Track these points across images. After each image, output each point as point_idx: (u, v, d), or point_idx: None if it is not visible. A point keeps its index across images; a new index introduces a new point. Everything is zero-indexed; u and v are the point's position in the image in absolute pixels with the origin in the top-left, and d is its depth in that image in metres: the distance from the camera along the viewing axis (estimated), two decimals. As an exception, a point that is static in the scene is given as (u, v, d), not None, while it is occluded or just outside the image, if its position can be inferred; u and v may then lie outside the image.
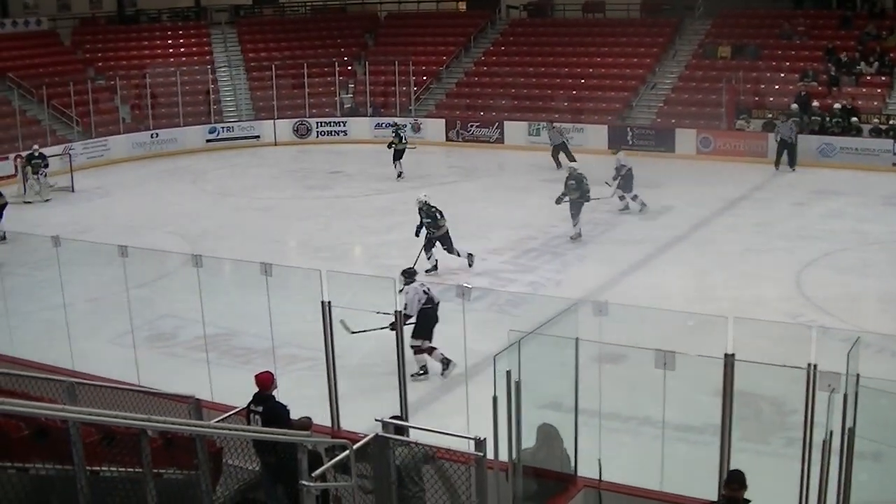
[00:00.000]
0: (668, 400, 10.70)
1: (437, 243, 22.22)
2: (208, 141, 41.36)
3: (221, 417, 11.02)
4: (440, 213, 22.14)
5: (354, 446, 8.97)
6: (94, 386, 11.39)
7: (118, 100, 41.23)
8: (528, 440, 10.39)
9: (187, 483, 9.39)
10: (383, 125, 39.27)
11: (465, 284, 13.61)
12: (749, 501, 9.15)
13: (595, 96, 39.67)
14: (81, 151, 37.38)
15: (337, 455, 9.02)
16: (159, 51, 45.78)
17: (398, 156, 33.92)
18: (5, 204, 26.75)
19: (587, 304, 11.60)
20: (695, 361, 9.97)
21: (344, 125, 42.36)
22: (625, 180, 27.52)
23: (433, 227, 22.04)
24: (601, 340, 11.15)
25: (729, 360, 9.69)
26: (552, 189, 25.19)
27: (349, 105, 43.36)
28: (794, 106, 34.79)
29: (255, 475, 10.82)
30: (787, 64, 38.19)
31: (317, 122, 42.47)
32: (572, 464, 10.85)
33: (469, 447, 8.88)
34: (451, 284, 18.17)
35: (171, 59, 44.52)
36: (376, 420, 9.47)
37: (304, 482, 8.66)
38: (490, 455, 9.19)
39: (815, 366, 9.25)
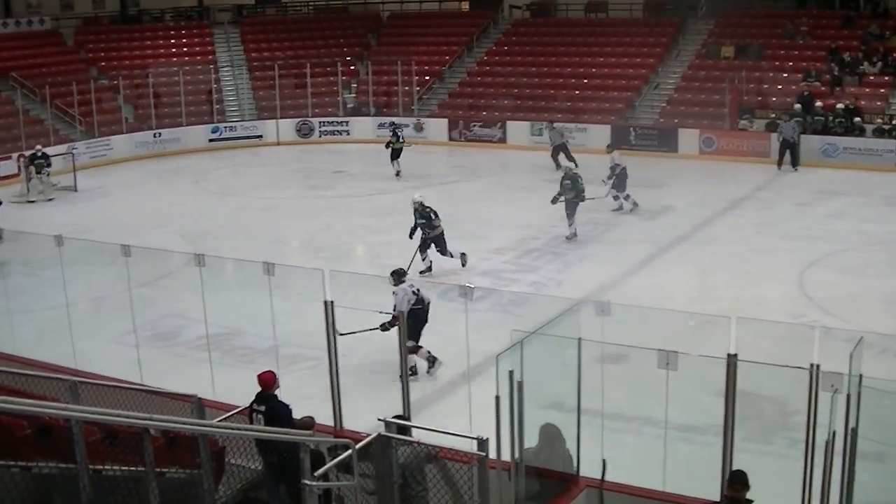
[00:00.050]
0: (670, 400, 10.69)
1: (432, 244, 22.21)
2: (211, 140, 41.35)
3: (224, 417, 11.03)
4: (435, 213, 22.09)
5: (357, 446, 8.97)
6: (96, 385, 11.40)
7: (121, 99, 41.25)
8: (531, 440, 10.39)
9: (190, 482, 9.40)
10: (386, 125, 39.22)
11: (468, 284, 13.61)
12: (751, 502, 9.15)
13: (598, 96, 39.65)
14: (84, 151, 37.40)
15: (339, 455, 9.02)
16: (162, 50, 45.79)
17: (396, 155, 34.03)
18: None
19: (590, 304, 11.62)
20: (697, 361, 9.96)
21: (346, 125, 42.36)
22: (619, 179, 27.54)
23: (428, 227, 21.99)
24: (604, 340, 11.15)
25: (731, 361, 9.69)
26: (554, 189, 25.17)
27: (352, 105, 43.36)
28: (798, 106, 34.80)
29: (258, 474, 10.83)
30: (790, 64, 38.18)
31: (319, 122, 42.46)
32: (574, 464, 10.84)
33: (471, 447, 8.88)
34: (453, 284, 18.24)
35: (174, 59, 44.51)
36: (379, 420, 9.47)
37: (306, 482, 8.67)
38: (492, 455, 9.19)
39: (817, 366, 9.25)
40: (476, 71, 44.15)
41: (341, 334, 15.54)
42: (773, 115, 35.36)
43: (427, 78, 43.73)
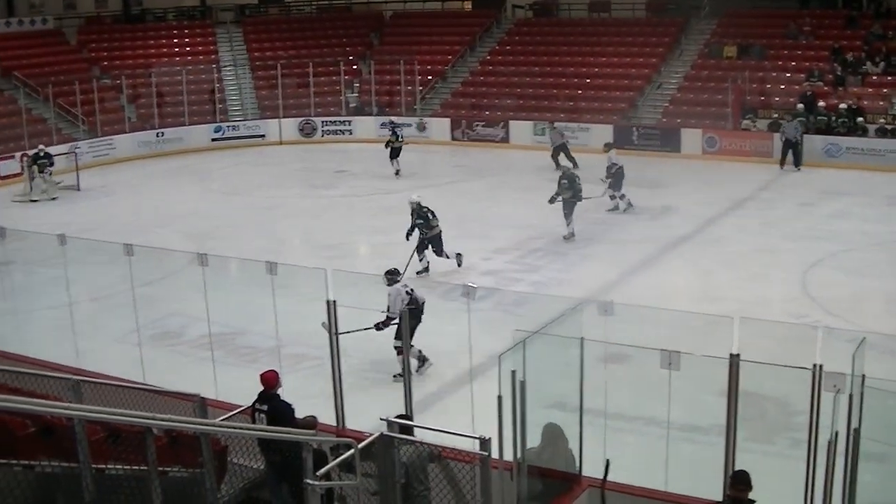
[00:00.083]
0: (673, 400, 10.69)
1: (429, 245, 22.17)
2: (214, 140, 41.38)
3: (226, 416, 11.04)
4: (432, 213, 22.08)
5: (359, 445, 8.97)
6: (99, 384, 11.42)
7: (124, 99, 41.25)
8: (533, 440, 10.39)
9: (192, 481, 9.41)
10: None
11: (471, 284, 13.61)
12: (754, 502, 9.15)
13: (600, 96, 39.63)
14: (87, 150, 37.44)
15: (342, 454, 9.03)
16: (165, 50, 45.82)
17: (395, 154, 34.15)
18: None
19: (592, 303, 11.61)
20: (700, 361, 9.96)
21: (349, 124, 42.39)
22: (616, 179, 27.54)
23: (426, 227, 21.96)
24: (606, 340, 11.16)
25: (734, 361, 9.69)
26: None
27: (354, 104, 43.37)
28: (800, 106, 34.78)
29: (260, 474, 10.83)
30: (793, 64, 38.17)
31: (322, 122, 42.49)
32: (577, 464, 10.84)
33: (474, 446, 8.88)
34: (456, 284, 18.22)
35: (177, 59, 44.53)
36: (381, 419, 9.47)
37: (308, 481, 8.67)
38: (495, 454, 9.18)
39: (820, 366, 9.24)
40: (479, 70, 44.16)
41: (335, 333, 15.61)
42: (776, 115, 35.34)
43: (430, 77, 43.74)
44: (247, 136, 41.84)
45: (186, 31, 47.85)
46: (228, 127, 42.00)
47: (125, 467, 8.47)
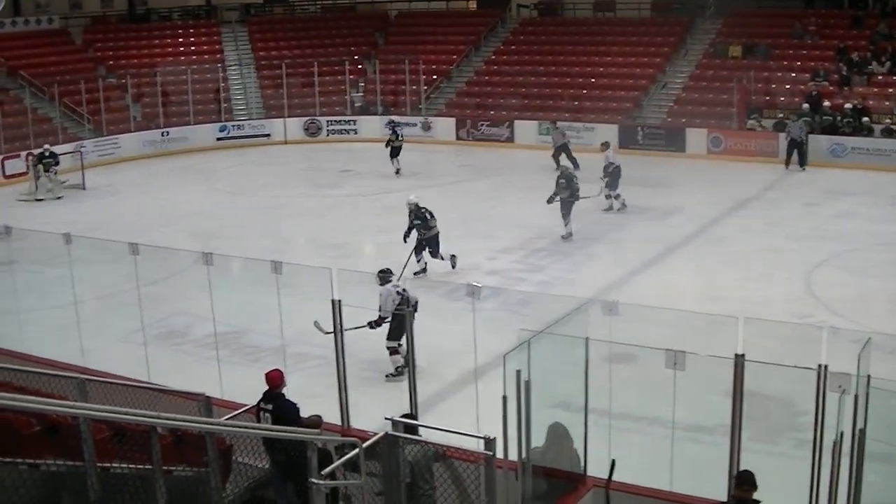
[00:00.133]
0: (678, 400, 10.69)
1: (426, 246, 22.13)
2: (219, 139, 41.43)
3: (231, 415, 11.04)
4: (431, 213, 22.04)
5: (364, 445, 8.97)
6: (104, 383, 11.42)
7: (129, 98, 41.31)
8: (538, 439, 10.39)
9: (197, 480, 9.42)
10: (400, 125, 39.24)
11: (475, 283, 13.60)
12: (759, 502, 9.15)
13: (605, 95, 39.62)
14: (92, 149, 37.49)
15: (346, 453, 9.03)
16: (170, 49, 45.88)
17: (395, 153, 34.26)
18: None
19: (597, 303, 11.58)
20: (705, 361, 9.96)
21: (354, 124, 42.40)
22: (612, 178, 27.57)
23: (424, 228, 21.91)
24: (611, 340, 11.14)
25: (739, 361, 9.67)
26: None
27: (359, 104, 43.39)
28: (806, 106, 34.74)
29: (265, 473, 10.83)
30: (798, 63, 38.14)
31: (327, 121, 42.53)
32: (582, 463, 10.84)
33: (479, 446, 8.88)
34: (461, 283, 18.21)
35: (182, 58, 44.59)
36: (386, 419, 9.47)
37: (313, 480, 8.67)
38: (499, 454, 9.18)
39: (825, 367, 9.23)
40: (484, 70, 44.16)
41: (326, 333, 15.62)
42: (781, 115, 35.34)
43: (435, 77, 43.75)
44: (252, 136, 41.89)
45: (192, 30, 47.91)
46: (233, 126, 42.04)
47: (130, 466, 8.48)
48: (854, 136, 33.62)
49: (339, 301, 12.66)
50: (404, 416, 10.20)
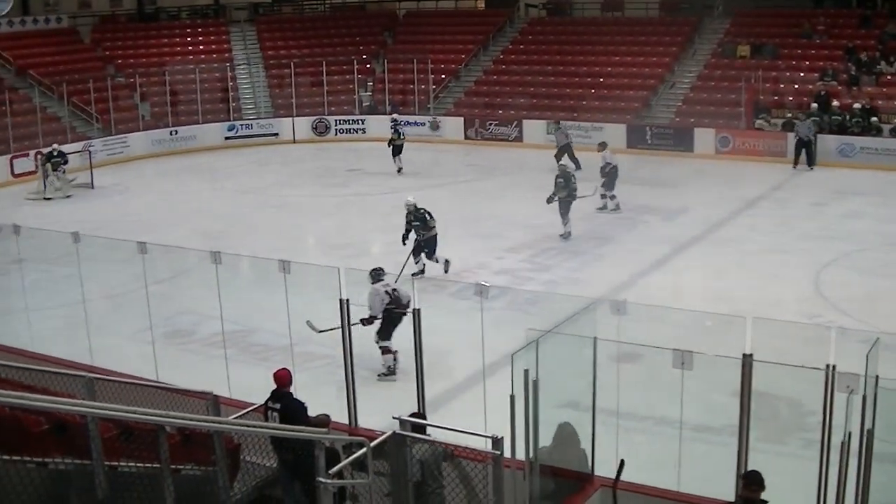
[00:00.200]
0: (685, 400, 10.68)
1: (424, 247, 22.03)
2: (227, 138, 41.46)
3: (239, 414, 11.06)
4: (430, 214, 21.98)
5: (372, 444, 8.98)
6: (112, 381, 11.45)
7: (137, 97, 41.38)
8: (546, 439, 10.38)
9: (205, 479, 9.43)
10: (404, 123, 39.23)
11: (484, 283, 13.60)
12: (767, 502, 9.14)
13: (614, 95, 39.53)
14: (101, 148, 37.55)
15: (354, 452, 9.03)
16: (179, 48, 45.93)
17: (397, 151, 34.35)
18: None
19: (605, 303, 11.59)
20: (713, 361, 9.95)
21: (362, 123, 42.39)
22: (609, 178, 27.59)
23: (423, 229, 21.83)
24: (619, 340, 11.14)
25: (747, 361, 9.67)
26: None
27: (368, 103, 43.39)
28: (814, 105, 34.69)
29: (273, 472, 10.85)
30: (807, 63, 38.08)
31: (335, 120, 42.54)
32: (589, 463, 10.84)
33: (486, 445, 8.88)
34: (469, 283, 18.22)
35: (191, 57, 44.63)
36: (394, 418, 9.48)
37: (321, 479, 8.68)
38: (507, 454, 9.18)
39: (833, 367, 9.22)
40: (492, 69, 44.15)
41: (319, 331, 15.64)
42: (790, 115, 35.25)
43: (443, 76, 43.74)
44: (260, 135, 41.92)
45: (200, 29, 47.96)
46: (242, 125, 42.08)
47: (138, 465, 8.49)
48: (863, 135, 33.57)
49: (348, 300, 12.67)
50: (413, 414, 10.22)
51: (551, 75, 41.94)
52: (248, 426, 9.96)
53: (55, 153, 32.67)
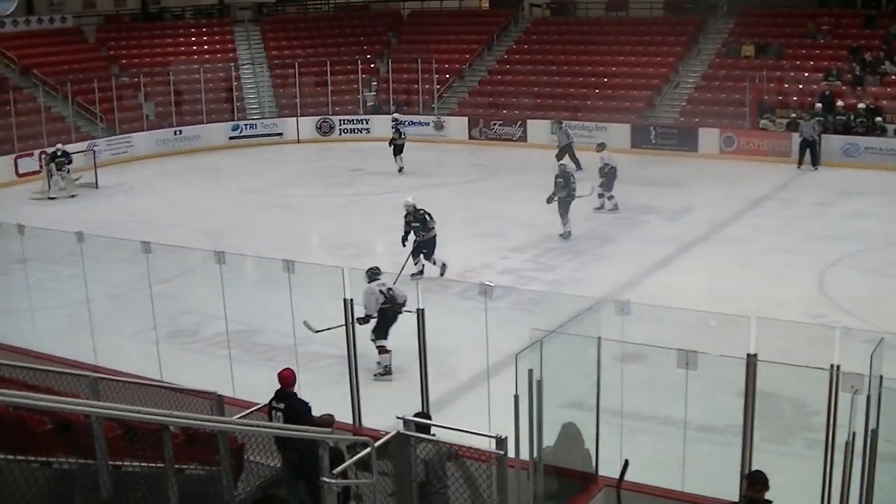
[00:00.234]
0: (689, 400, 10.69)
1: (423, 248, 21.97)
2: (231, 138, 41.48)
3: (243, 414, 11.06)
4: (430, 215, 21.93)
5: (376, 444, 8.97)
6: (116, 381, 11.44)
7: (142, 97, 41.41)
8: (550, 439, 10.38)
9: (209, 479, 9.43)
10: (406, 123, 39.23)
11: (488, 283, 13.61)
12: (771, 502, 9.13)
13: (618, 95, 39.49)
14: (105, 148, 37.59)
15: (358, 452, 9.03)
16: (183, 48, 45.98)
17: (398, 151, 34.44)
18: None
19: (609, 303, 11.58)
20: (717, 361, 9.95)
21: (367, 123, 42.38)
22: (607, 178, 27.63)
23: (423, 230, 21.77)
24: (623, 340, 11.14)
25: (751, 361, 9.66)
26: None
27: (372, 103, 43.39)
28: (819, 105, 34.65)
29: (277, 472, 10.85)
30: (811, 63, 38.04)
31: (340, 120, 42.55)
32: (593, 463, 10.83)
33: (490, 445, 8.88)
34: (473, 283, 18.21)
35: (195, 57, 44.69)
36: (398, 418, 9.48)
37: (325, 479, 8.68)
38: (511, 454, 9.18)
39: (838, 367, 9.21)
40: (496, 69, 44.14)
41: (316, 331, 15.64)
42: (794, 115, 35.23)
43: (447, 76, 43.73)
44: (264, 135, 41.93)
45: (204, 29, 47.98)
46: (246, 125, 42.10)
47: (142, 464, 8.50)
48: (867, 135, 33.54)
49: (352, 300, 12.68)
50: (418, 414, 10.22)
51: (555, 75, 41.95)
52: (252, 426, 9.97)
53: (59, 153, 32.70)
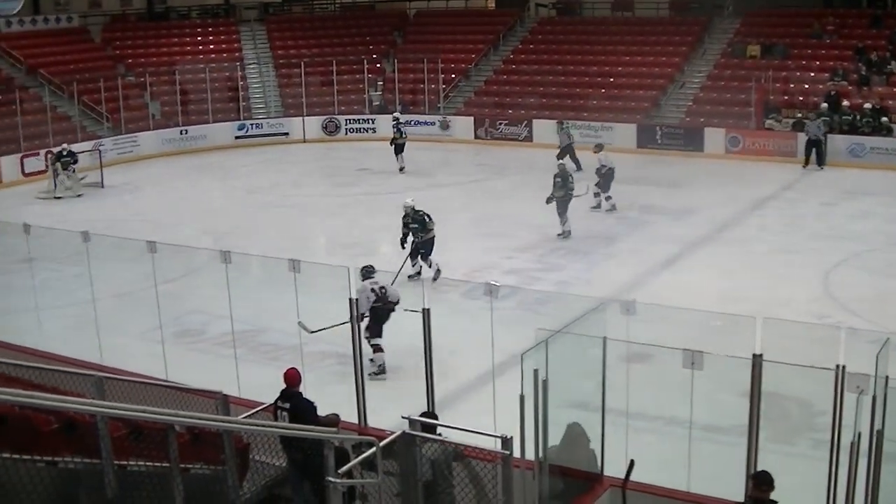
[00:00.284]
0: (695, 400, 10.67)
1: (422, 249, 21.90)
2: (237, 138, 41.47)
3: (248, 413, 11.07)
4: (429, 217, 21.87)
5: (381, 444, 8.98)
6: (122, 381, 11.45)
7: (148, 96, 41.43)
8: (555, 439, 10.38)
9: (214, 478, 9.44)
10: (412, 123, 39.22)
11: (493, 282, 13.60)
12: (776, 502, 9.13)
13: (624, 95, 39.47)
14: (111, 147, 37.63)
15: (364, 452, 9.04)
16: (189, 48, 46.00)
17: (399, 150, 34.50)
18: None
19: (615, 303, 11.59)
20: (722, 361, 9.95)
21: (372, 122, 42.36)
22: (604, 179, 27.65)
23: (421, 231, 21.70)
24: (628, 340, 11.14)
25: (757, 361, 9.66)
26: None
27: (378, 102, 43.39)
28: (824, 105, 34.61)
29: (282, 471, 10.85)
30: (817, 63, 38.00)
31: (345, 120, 42.54)
32: (599, 463, 10.83)
33: (496, 445, 8.88)
34: (478, 283, 18.20)
35: (201, 56, 44.68)
36: (403, 417, 9.48)
37: (330, 479, 8.68)
38: (516, 453, 9.18)
39: (843, 367, 9.21)
40: (502, 69, 44.12)
41: (311, 332, 15.64)
42: (800, 115, 35.18)
43: (453, 76, 43.71)
44: (270, 134, 41.94)
45: (210, 28, 48.02)
46: (252, 125, 42.12)
47: (147, 464, 8.50)
48: (873, 135, 33.49)
49: (357, 300, 12.68)
50: (424, 414, 10.22)
51: (561, 75, 41.92)
52: (257, 426, 9.98)
53: (65, 152, 32.74)
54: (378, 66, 44.85)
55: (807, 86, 37.03)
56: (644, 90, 39.64)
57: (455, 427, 9.73)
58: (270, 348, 18.00)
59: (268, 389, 11.51)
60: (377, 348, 16.61)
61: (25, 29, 42.86)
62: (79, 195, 32.44)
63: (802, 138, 33.53)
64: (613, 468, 10.76)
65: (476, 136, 40.75)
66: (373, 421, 12.74)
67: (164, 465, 8.37)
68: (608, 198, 27.70)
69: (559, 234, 25.03)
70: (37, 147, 35.77)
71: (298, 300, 14.51)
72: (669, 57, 41.07)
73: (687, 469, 10.86)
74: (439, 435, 9.68)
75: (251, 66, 45.14)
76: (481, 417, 12.07)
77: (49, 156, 34.11)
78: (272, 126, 42.30)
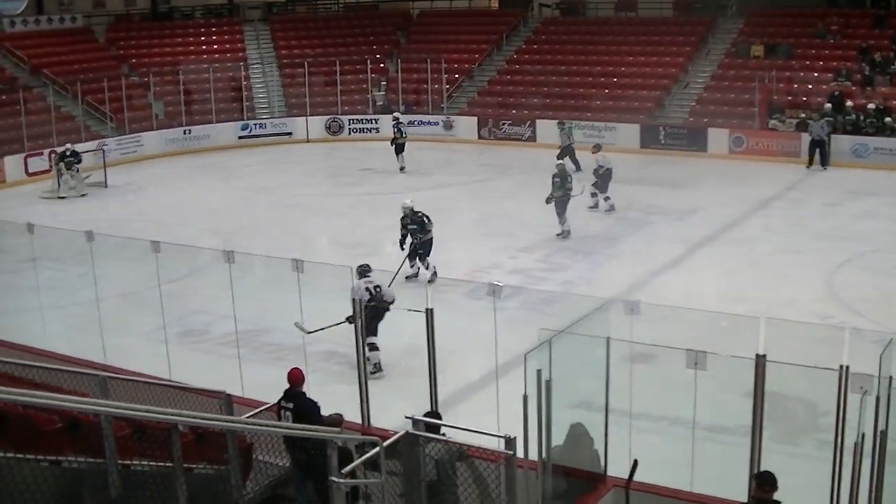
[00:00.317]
0: (698, 400, 10.67)
1: (420, 250, 21.82)
2: (241, 137, 41.48)
3: (252, 413, 11.06)
4: (428, 218, 21.82)
5: (385, 443, 8.98)
6: (125, 380, 11.47)
7: (151, 96, 41.46)
8: (559, 439, 10.38)
9: (217, 478, 9.45)
10: (415, 123, 39.22)
11: (497, 282, 13.60)
12: (780, 503, 9.12)
13: (627, 95, 39.44)
14: (115, 147, 37.64)
15: (367, 452, 9.04)
16: (192, 47, 46.04)
17: (399, 149, 34.55)
18: None
19: (618, 303, 11.58)
20: (726, 362, 9.94)
21: (376, 122, 42.34)
22: (602, 180, 27.67)
23: (420, 232, 21.65)
24: (632, 340, 11.12)
25: (760, 361, 9.65)
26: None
27: (381, 102, 43.39)
28: (828, 105, 34.59)
29: (285, 471, 10.86)
30: (821, 63, 37.98)
31: (349, 120, 42.55)
32: (602, 463, 10.83)
33: (499, 445, 8.88)
34: (482, 282, 18.19)
35: (204, 56, 44.69)
36: (406, 417, 9.48)
37: (333, 479, 8.69)
38: (520, 454, 9.18)
39: (847, 367, 9.20)
40: (505, 69, 44.12)
41: (308, 332, 15.64)
42: (804, 115, 35.17)
43: (456, 76, 43.72)
44: (274, 134, 41.95)
45: (214, 28, 48.04)
46: (255, 125, 42.14)
47: (151, 464, 8.51)
48: (877, 136, 33.48)
49: (360, 300, 12.68)
50: (427, 414, 10.22)
51: (565, 75, 41.93)
52: (260, 425, 9.97)
53: (69, 152, 32.75)
54: (381, 65, 44.87)
55: (810, 86, 37.01)
56: (647, 90, 39.62)
57: (459, 427, 9.73)
58: (274, 348, 18.00)
59: (271, 389, 11.51)
60: (372, 347, 16.59)
61: (29, 29, 42.91)
62: (82, 195, 32.45)
63: (806, 138, 33.53)
64: (617, 468, 10.75)
65: (479, 137, 40.74)
66: (376, 421, 12.73)
67: (167, 464, 8.39)
68: (607, 198, 27.69)
69: (558, 234, 25.05)
70: (40, 147, 35.79)
71: (302, 300, 14.51)
72: (673, 57, 41.06)
73: (690, 469, 10.86)
74: (443, 435, 9.69)
75: (255, 66, 45.17)
76: (485, 417, 12.07)
77: (53, 156, 34.11)
78: (275, 126, 42.31)
